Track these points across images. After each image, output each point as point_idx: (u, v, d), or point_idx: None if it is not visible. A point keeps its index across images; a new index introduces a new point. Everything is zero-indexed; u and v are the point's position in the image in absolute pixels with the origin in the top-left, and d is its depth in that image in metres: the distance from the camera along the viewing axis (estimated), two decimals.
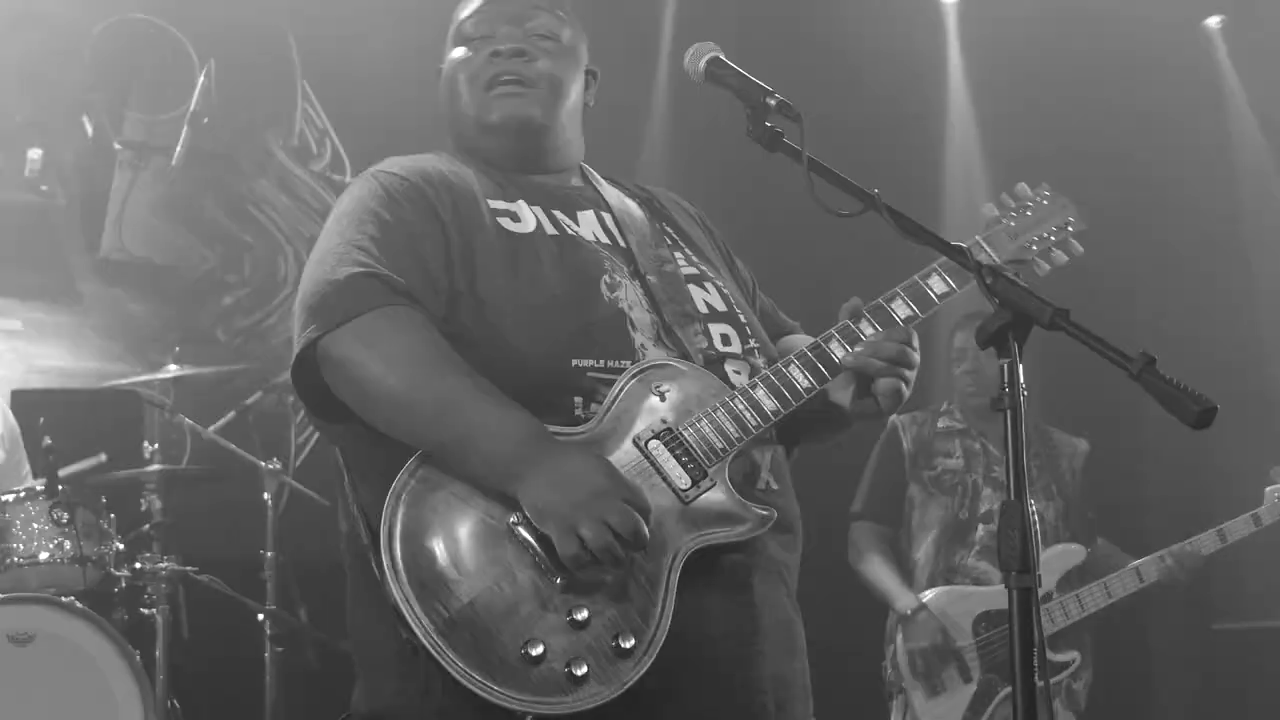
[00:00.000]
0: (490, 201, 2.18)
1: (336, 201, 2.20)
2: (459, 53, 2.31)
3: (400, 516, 1.93)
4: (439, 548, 1.91)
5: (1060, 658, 4.36)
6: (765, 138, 2.16)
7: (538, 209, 2.21)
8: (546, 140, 2.29)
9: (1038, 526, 1.91)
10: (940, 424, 4.58)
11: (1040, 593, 4.53)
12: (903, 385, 2.16)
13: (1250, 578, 6.21)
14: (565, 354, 2.07)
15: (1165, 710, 6.59)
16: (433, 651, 1.85)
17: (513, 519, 1.93)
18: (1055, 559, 4.40)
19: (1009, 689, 4.25)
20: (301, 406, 2.18)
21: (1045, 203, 2.38)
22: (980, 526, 4.47)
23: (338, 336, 1.99)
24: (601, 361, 2.08)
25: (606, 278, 2.17)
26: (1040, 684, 1.86)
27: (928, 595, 4.40)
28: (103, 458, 5.01)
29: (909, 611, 4.38)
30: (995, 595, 4.36)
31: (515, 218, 2.18)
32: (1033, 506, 1.90)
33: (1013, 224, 2.34)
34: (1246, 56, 6.44)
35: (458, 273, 2.09)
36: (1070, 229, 2.37)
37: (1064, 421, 4.71)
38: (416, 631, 1.86)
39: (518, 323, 2.07)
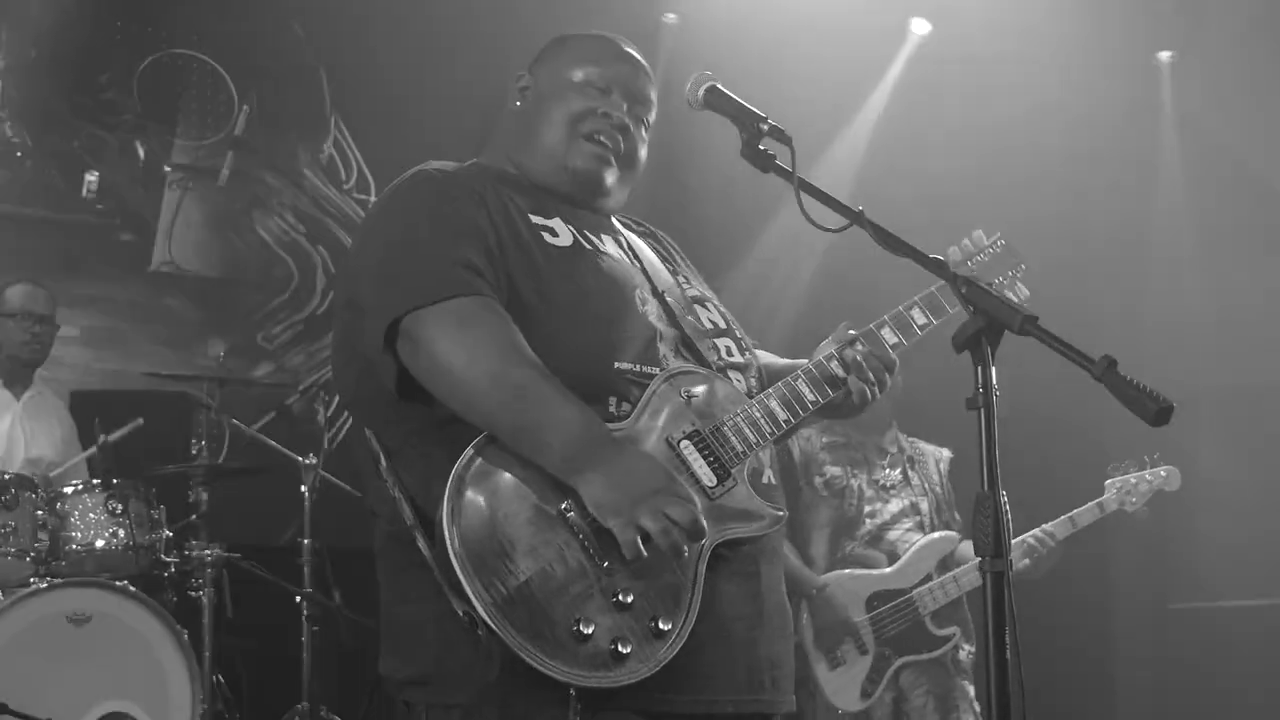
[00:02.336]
0: (531, 216, 2.18)
1: (389, 193, 2.17)
2: (566, 89, 2.27)
3: (461, 499, 1.91)
4: (496, 529, 1.91)
5: (942, 633, 4.42)
6: (759, 159, 2.16)
7: (571, 227, 2.22)
8: (598, 203, 2.30)
9: (1009, 515, 1.90)
10: (824, 438, 4.67)
11: (920, 575, 4.62)
12: (870, 396, 2.26)
13: (1204, 561, 6.21)
14: (608, 356, 2.08)
15: (1126, 686, 6.58)
16: (492, 625, 1.84)
17: (564, 505, 1.94)
18: (931, 545, 4.48)
19: (901, 660, 4.39)
20: (335, 403, 2.16)
21: (999, 250, 2.52)
22: (866, 520, 4.58)
23: (424, 316, 1.97)
24: (638, 366, 2.10)
25: (639, 292, 2.19)
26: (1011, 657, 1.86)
27: (825, 578, 4.46)
28: (140, 421, 4.99)
29: (815, 590, 4.42)
30: (884, 577, 4.47)
31: (554, 233, 2.18)
32: (1004, 496, 1.90)
33: (973, 266, 2.46)
34: (1196, 90, 6.44)
35: (502, 274, 2.08)
36: (1020, 274, 2.51)
37: (926, 433, 4.79)
38: (476, 605, 1.85)
39: (567, 326, 2.07)
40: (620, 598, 1.91)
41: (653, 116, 2.34)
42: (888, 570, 4.47)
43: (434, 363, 1.97)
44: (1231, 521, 6.07)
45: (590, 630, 1.87)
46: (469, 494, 1.92)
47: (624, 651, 1.88)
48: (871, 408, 2.31)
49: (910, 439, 4.79)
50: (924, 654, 4.42)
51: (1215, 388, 6.15)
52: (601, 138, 2.24)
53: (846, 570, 4.49)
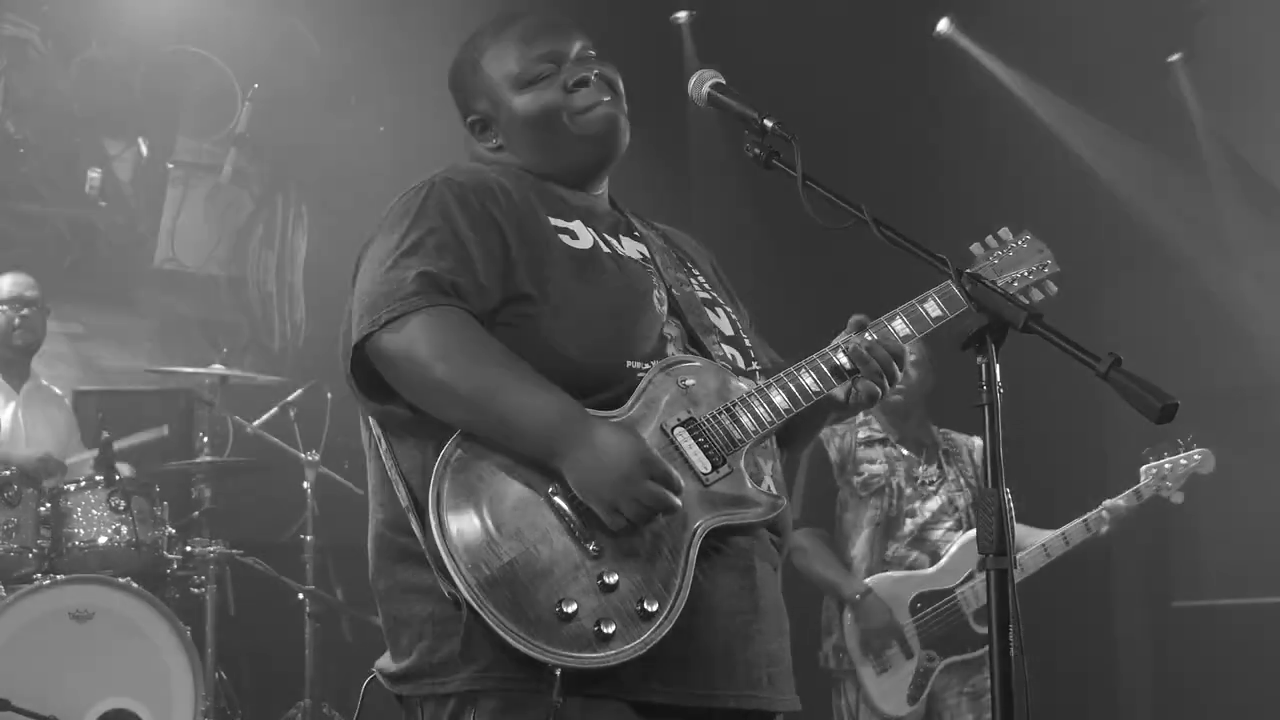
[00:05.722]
0: (551, 219, 2.19)
1: (394, 203, 2.18)
2: (528, 94, 2.25)
3: (448, 481, 1.94)
4: (483, 511, 1.93)
5: (984, 630, 4.37)
6: (763, 157, 2.16)
7: (591, 230, 2.23)
8: (620, 149, 2.29)
9: (1012, 512, 1.91)
10: (860, 434, 4.64)
11: (964, 573, 4.59)
12: (879, 391, 2.23)
13: (1208, 558, 6.21)
14: (622, 355, 2.10)
15: (1128, 684, 6.58)
16: (474, 605, 1.87)
17: (550, 488, 1.95)
18: (973, 542, 4.42)
19: (946, 661, 4.36)
20: (348, 389, 2.16)
21: (1025, 246, 2.45)
22: (907, 521, 4.55)
23: (388, 332, 1.99)
24: (647, 364, 2.11)
25: (655, 293, 2.20)
26: (1015, 653, 1.86)
27: (868, 581, 4.44)
28: (164, 430, 5.01)
29: (858, 596, 4.42)
30: (928, 578, 4.44)
31: (574, 235, 2.19)
32: (1008, 494, 1.90)
33: (996, 263, 2.41)
34: (1207, 88, 6.45)
35: (521, 277, 2.09)
36: (1047, 271, 2.43)
37: (956, 423, 4.77)
38: (459, 586, 1.87)
39: (584, 327, 2.08)
40: (606, 579, 1.91)
41: (591, 45, 2.31)
42: (931, 570, 4.44)
43: (403, 376, 2.01)
44: (1234, 520, 6.08)
45: (573, 610, 1.88)
46: (456, 477, 1.94)
47: (608, 632, 1.88)
48: (893, 399, 2.30)
49: (943, 431, 4.73)
50: (969, 653, 4.38)
51: (1217, 387, 6.15)
52: (594, 99, 2.23)
53: (890, 573, 4.46)
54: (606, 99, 2.25)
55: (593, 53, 2.30)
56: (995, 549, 1.89)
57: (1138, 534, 6.19)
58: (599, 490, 1.92)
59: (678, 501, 1.95)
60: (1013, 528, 1.91)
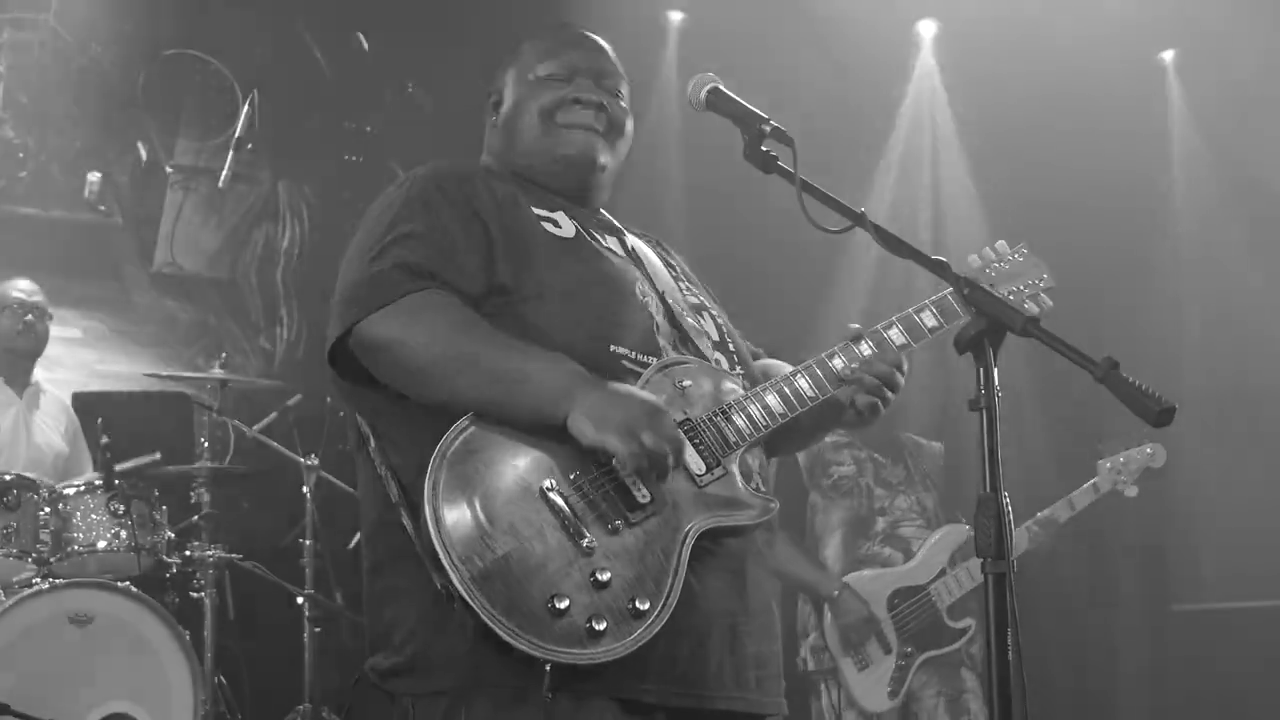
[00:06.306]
0: (534, 209, 2.21)
1: (378, 199, 2.21)
2: (532, 88, 2.31)
3: (444, 474, 1.93)
4: (478, 505, 1.92)
5: (958, 625, 4.43)
6: (761, 160, 2.17)
7: (575, 222, 2.24)
8: (596, 180, 2.32)
9: (1011, 516, 1.91)
10: (830, 438, 4.66)
11: (936, 569, 4.62)
12: (880, 404, 2.24)
13: (1207, 561, 6.21)
14: (605, 339, 2.10)
15: (1128, 686, 6.58)
16: (467, 598, 1.86)
17: (546, 483, 1.95)
18: (944, 538, 4.49)
19: (924, 656, 4.40)
20: (334, 389, 2.16)
21: (1021, 259, 2.45)
22: (879, 519, 4.60)
23: (373, 321, 2.00)
24: (634, 353, 2.11)
25: (640, 285, 2.21)
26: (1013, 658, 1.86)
27: (845, 578, 4.47)
28: (157, 455, 5.04)
29: (835, 593, 4.44)
30: (904, 574, 4.48)
31: (556, 224, 2.21)
32: (1006, 498, 1.90)
33: (993, 275, 2.42)
34: (1197, 89, 6.46)
35: (502, 265, 2.10)
36: (1042, 285, 2.44)
37: (919, 428, 4.81)
38: (453, 578, 1.87)
39: (565, 309, 2.09)
40: (598, 577, 1.92)
41: (625, 87, 2.35)
42: (906, 566, 4.48)
43: (393, 361, 2.01)
44: (1233, 522, 6.07)
45: (565, 605, 1.88)
46: (452, 470, 1.94)
47: (599, 629, 1.89)
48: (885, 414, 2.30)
49: (907, 434, 4.81)
50: (944, 648, 4.42)
51: (1216, 388, 6.15)
52: (581, 121, 2.26)
53: (866, 571, 4.49)
54: (597, 129, 2.27)
55: (621, 91, 2.33)
56: (994, 553, 1.89)
57: (1137, 536, 6.20)
58: (616, 416, 1.92)
59: (689, 449, 1.99)
60: (1011, 532, 1.91)
